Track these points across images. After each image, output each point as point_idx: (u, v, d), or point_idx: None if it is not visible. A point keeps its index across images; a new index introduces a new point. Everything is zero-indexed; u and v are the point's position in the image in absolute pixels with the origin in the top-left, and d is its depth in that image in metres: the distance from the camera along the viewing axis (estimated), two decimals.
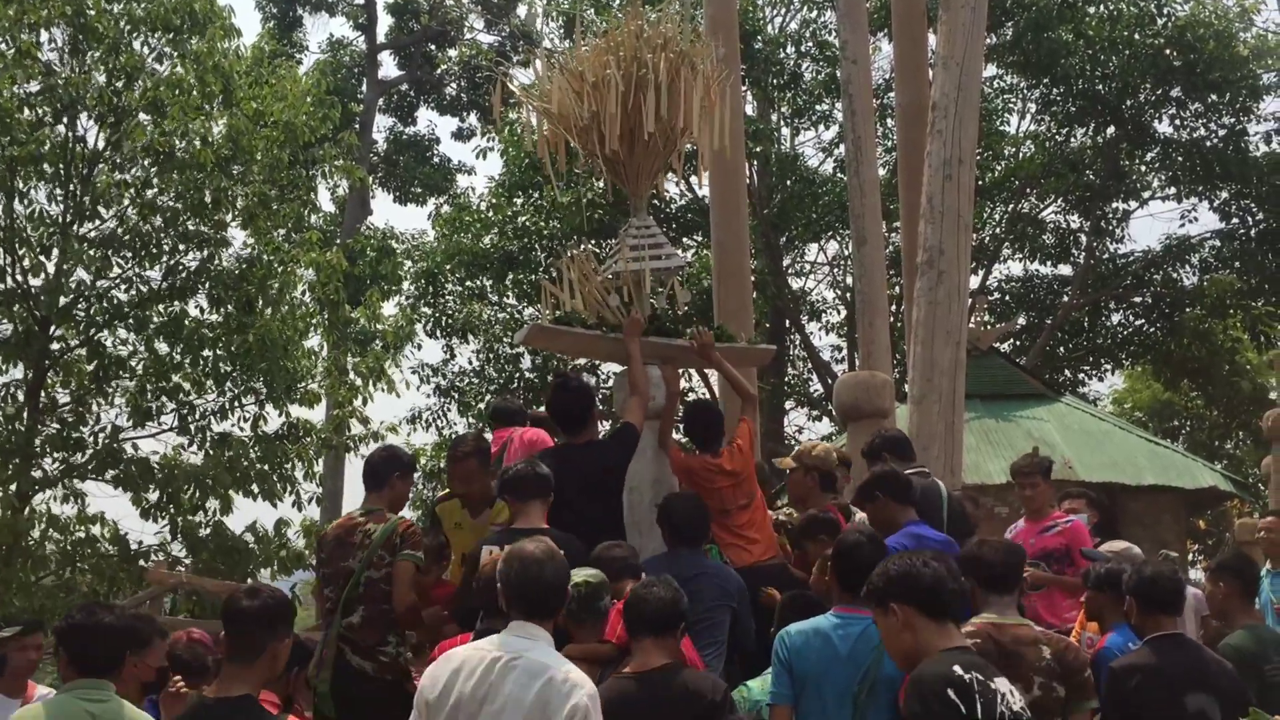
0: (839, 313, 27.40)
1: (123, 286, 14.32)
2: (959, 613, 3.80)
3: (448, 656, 4.09)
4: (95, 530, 13.79)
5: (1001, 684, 3.58)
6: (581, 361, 23.85)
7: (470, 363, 25.29)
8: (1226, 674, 5.17)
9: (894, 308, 18.63)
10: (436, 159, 32.87)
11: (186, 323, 14.30)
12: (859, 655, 4.84)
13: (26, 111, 13.58)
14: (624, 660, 5.00)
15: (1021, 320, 26.46)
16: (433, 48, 32.76)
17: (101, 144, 14.21)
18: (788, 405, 26.97)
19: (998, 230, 26.30)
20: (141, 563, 13.54)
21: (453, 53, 32.66)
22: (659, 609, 4.79)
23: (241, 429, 14.70)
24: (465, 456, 6.57)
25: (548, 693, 3.87)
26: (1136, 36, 23.37)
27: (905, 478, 6.23)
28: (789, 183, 24.77)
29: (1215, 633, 6.69)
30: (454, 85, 32.72)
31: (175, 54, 14.55)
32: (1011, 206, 26.25)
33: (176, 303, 14.41)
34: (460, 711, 3.90)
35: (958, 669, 3.49)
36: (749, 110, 24.70)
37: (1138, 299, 26.30)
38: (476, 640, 4.37)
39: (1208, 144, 24.35)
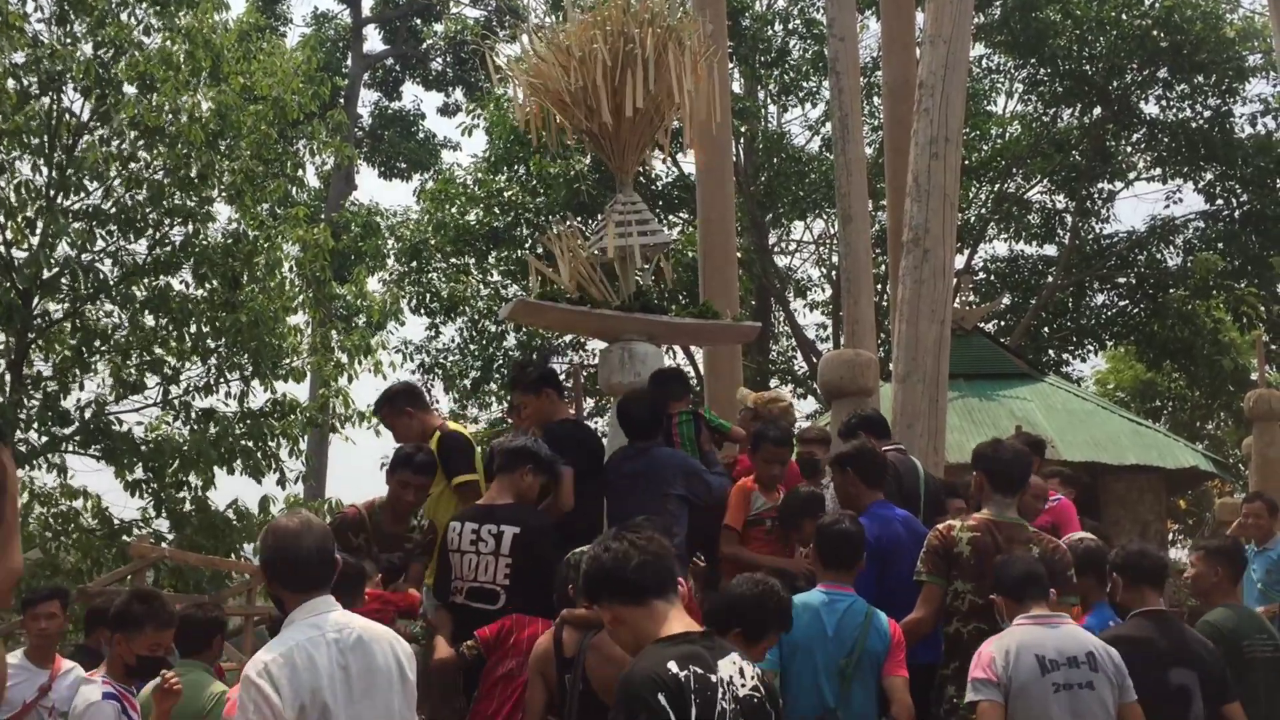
0: (824, 291, 27.43)
1: (107, 261, 14.26)
2: (661, 586, 3.33)
3: (292, 659, 3.86)
4: (78, 505, 13.77)
5: (726, 669, 3.17)
6: (567, 338, 23.87)
7: (453, 340, 25.27)
8: (1208, 651, 5.28)
9: (879, 286, 18.66)
10: (421, 134, 32.73)
11: (172, 296, 14.25)
12: (845, 630, 5.07)
13: (12, 82, 13.48)
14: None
15: (1006, 300, 26.53)
16: (418, 22, 32.59)
17: (87, 116, 14.12)
18: (772, 383, 27.03)
19: (983, 210, 26.34)
20: (125, 538, 13.53)
21: (438, 27, 32.49)
22: (714, 601, 4.88)
23: (226, 405, 14.69)
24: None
25: (397, 651, 3.95)
26: (1124, 17, 23.39)
27: (881, 460, 6.24)
28: (775, 160, 24.76)
29: (1193, 611, 6.76)
30: (439, 60, 32.56)
31: (163, 27, 14.46)
32: (997, 186, 26.29)
33: (162, 277, 14.35)
34: (336, 704, 3.81)
35: (672, 666, 3.05)
36: (736, 87, 24.64)
37: (1122, 279, 26.39)
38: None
39: (1193, 125, 24.42)
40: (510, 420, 6.71)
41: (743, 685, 3.21)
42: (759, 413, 7.46)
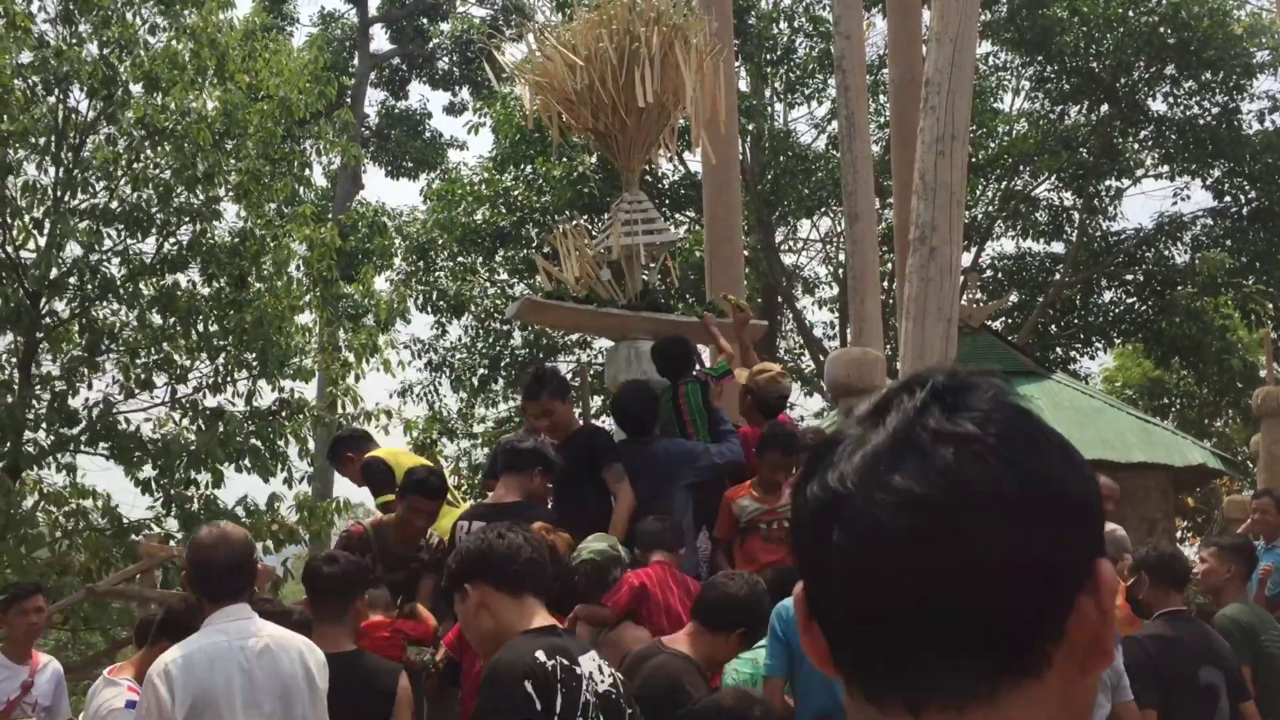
0: (831, 289, 27.41)
1: (114, 260, 14.29)
2: (539, 586, 3.37)
3: (191, 660, 4.01)
4: (88, 504, 13.80)
5: (588, 663, 3.23)
6: (573, 336, 23.87)
7: (460, 338, 25.30)
8: (1228, 651, 5.32)
9: (886, 284, 18.62)
10: (428, 134, 32.74)
11: (179, 294, 14.27)
12: None
13: (19, 82, 13.51)
14: (624, 625, 5.18)
15: (1013, 297, 26.46)
16: (425, 21, 32.61)
17: (94, 116, 14.15)
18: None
19: (990, 207, 26.29)
20: (134, 537, 13.56)
21: (445, 26, 32.50)
22: (717, 602, 4.86)
23: (234, 404, 14.71)
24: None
25: (306, 659, 4.04)
26: (1131, 14, 23.33)
27: None
28: (781, 159, 24.72)
29: (1200, 609, 6.77)
30: (446, 59, 32.58)
31: (169, 26, 14.47)
32: (1004, 184, 26.23)
33: (169, 275, 14.38)
34: (234, 708, 3.92)
35: (540, 655, 3.10)
36: (741, 86, 24.63)
37: (1129, 277, 26.32)
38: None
39: (1201, 122, 24.34)
40: (534, 425, 6.69)
41: (602, 681, 3.25)
42: (750, 386, 7.40)
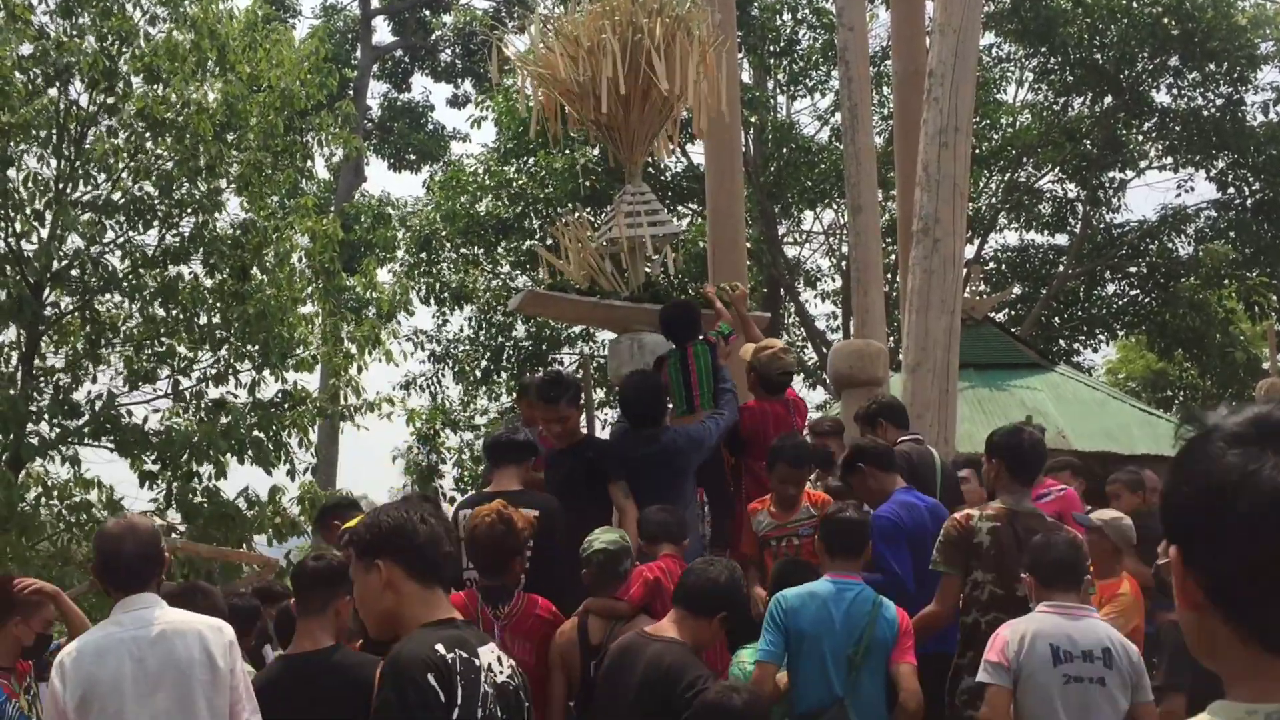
0: (834, 281, 27.38)
1: (117, 252, 14.28)
2: (449, 578, 3.33)
3: (82, 651, 4.13)
4: (91, 496, 13.80)
5: (487, 654, 3.21)
6: (576, 328, 23.87)
7: (462, 329, 25.31)
8: None
9: (889, 276, 18.61)
10: (431, 126, 32.72)
11: (181, 286, 14.27)
12: (854, 619, 5.06)
13: (19, 75, 13.49)
14: (638, 618, 5.18)
15: (1017, 289, 26.44)
16: (427, 13, 32.56)
17: (95, 108, 14.13)
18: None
19: (994, 199, 26.27)
20: None
21: (447, 18, 32.46)
22: (699, 587, 4.85)
23: (236, 395, 14.71)
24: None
25: (207, 642, 4.13)
26: (1134, 5, 23.28)
27: (884, 446, 6.27)
28: (785, 150, 24.69)
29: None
30: (448, 51, 32.54)
31: (169, 17, 14.45)
32: (1008, 175, 26.20)
33: (171, 268, 14.38)
34: (125, 697, 4.01)
35: (440, 648, 3.07)
36: (744, 77, 24.58)
37: (1133, 269, 26.30)
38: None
39: (1205, 113, 24.29)
40: (545, 429, 6.74)
41: (500, 673, 3.26)
42: (753, 364, 7.39)
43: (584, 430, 7.16)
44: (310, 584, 4.74)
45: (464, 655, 3.12)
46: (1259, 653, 1.33)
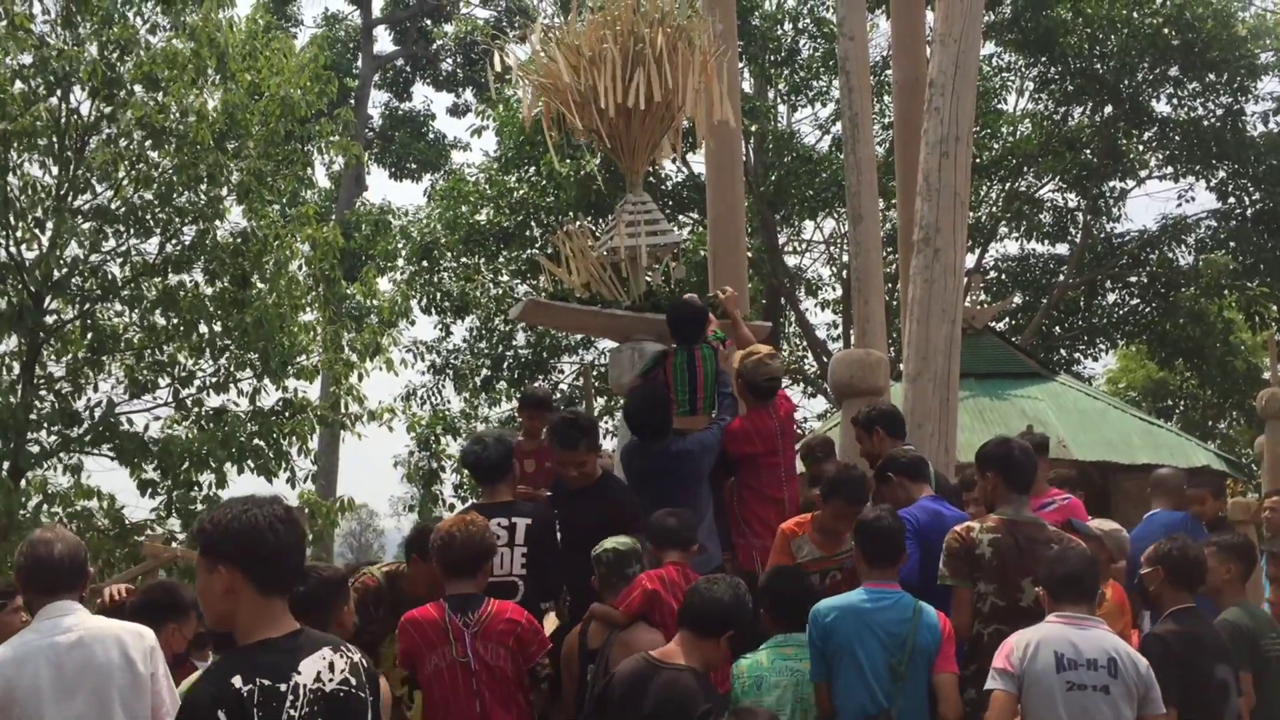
0: (834, 290, 27.38)
1: (117, 260, 14.29)
2: (289, 591, 3.26)
3: (2, 661, 4.22)
4: (91, 505, 13.79)
5: (311, 667, 3.13)
6: (577, 337, 23.87)
7: (464, 339, 25.31)
8: (1232, 649, 5.38)
9: (890, 285, 18.61)
10: (432, 135, 32.76)
11: (182, 295, 14.27)
12: (894, 628, 5.07)
13: (20, 84, 13.51)
14: (636, 626, 5.27)
15: (1017, 299, 26.45)
16: (428, 23, 32.63)
17: (95, 116, 14.15)
18: (783, 383, 26.93)
19: (994, 209, 26.28)
20: (137, 538, 13.55)
21: (448, 28, 32.53)
22: (704, 608, 4.85)
23: (237, 404, 14.70)
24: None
25: (126, 647, 4.23)
26: (1135, 15, 23.30)
27: (916, 455, 6.29)
28: (785, 160, 24.72)
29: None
30: (449, 61, 32.60)
31: (169, 26, 14.47)
32: (1008, 185, 26.22)
33: (172, 276, 14.38)
34: (43, 702, 4.10)
35: (237, 680, 3.02)
36: (745, 87, 24.61)
37: (1133, 278, 26.30)
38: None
39: (1205, 123, 24.31)
40: (563, 473, 6.63)
41: (330, 680, 3.19)
42: (739, 370, 7.36)
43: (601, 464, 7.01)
44: (308, 597, 4.74)
45: (266, 683, 3.07)
46: None
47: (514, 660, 5.29)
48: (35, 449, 13.54)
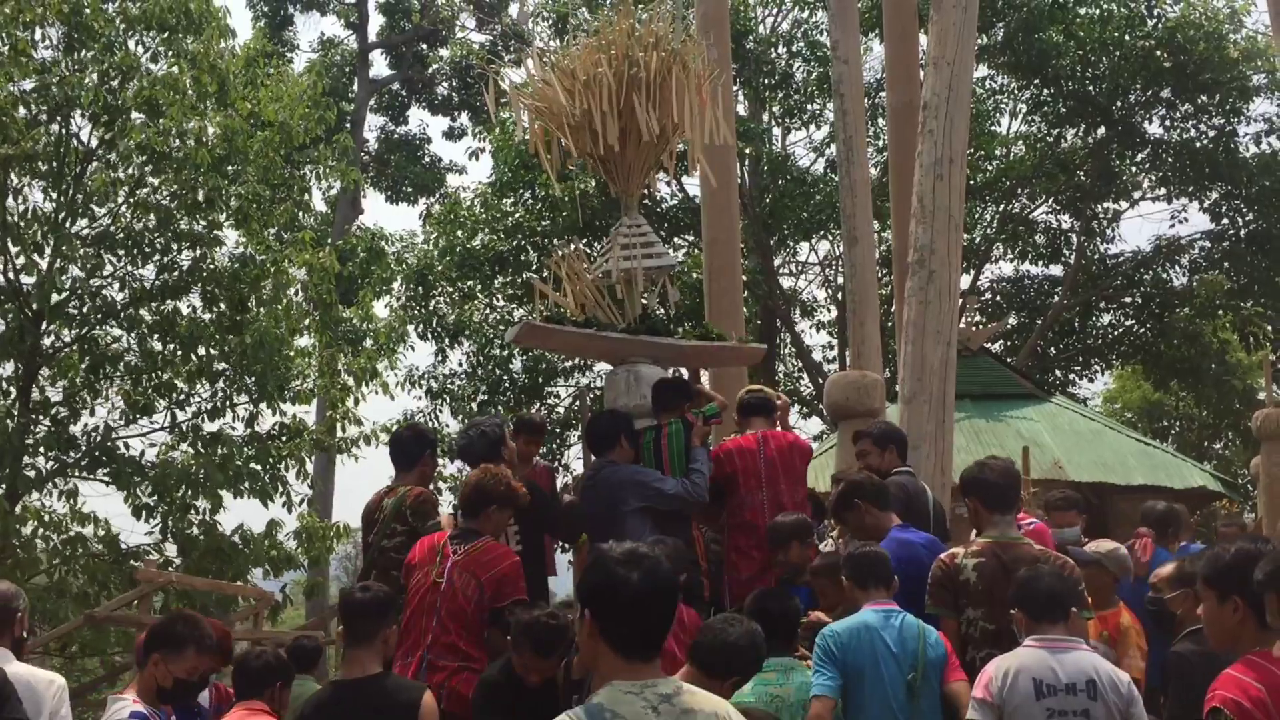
0: (830, 312, 27.43)
1: (115, 285, 14.31)
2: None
3: None
4: (87, 530, 13.77)
5: None
6: (573, 360, 23.87)
7: (460, 364, 25.30)
8: None
9: (885, 307, 18.63)
10: (427, 159, 32.83)
11: (179, 320, 14.29)
12: (907, 644, 5.09)
13: (21, 109, 13.56)
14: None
15: (1012, 320, 26.50)
16: (424, 47, 32.72)
17: (95, 143, 14.19)
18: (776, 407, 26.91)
19: (989, 230, 26.35)
20: (133, 562, 13.52)
21: (444, 52, 32.63)
22: (716, 649, 4.79)
23: (234, 428, 14.70)
24: None
25: (36, 694, 4.66)
26: (1127, 38, 23.42)
27: (881, 483, 6.22)
28: (780, 182, 24.80)
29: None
30: (445, 85, 32.69)
31: (170, 53, 14.53)
32: (1002, 207, 26.30)
33: (170, 301, 14.40)
34: None
35: None
36: (740, 110, 24.71)
37: (1128, 299, 26.35)
38: None
39: (1198, 145, 24.38)
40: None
41: None
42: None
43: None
44: (359, 614, 4.88)
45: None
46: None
47: (481, 594, 5.71)
48: (31, 473, 13.52)
